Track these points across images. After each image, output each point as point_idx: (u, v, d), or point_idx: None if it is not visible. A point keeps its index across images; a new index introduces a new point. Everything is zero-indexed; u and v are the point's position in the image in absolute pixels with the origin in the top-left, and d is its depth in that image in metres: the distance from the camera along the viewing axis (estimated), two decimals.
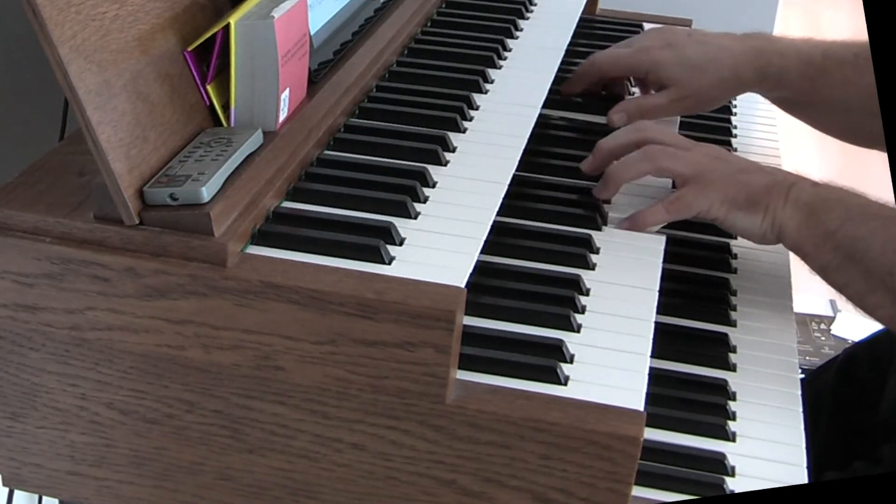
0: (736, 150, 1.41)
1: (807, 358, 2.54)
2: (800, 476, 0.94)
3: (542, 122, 1.20)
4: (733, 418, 0.99)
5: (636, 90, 1.41)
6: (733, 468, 0.93)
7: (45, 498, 1.33)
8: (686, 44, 1.30)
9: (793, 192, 1.08)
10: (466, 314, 0.84)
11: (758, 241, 1.10)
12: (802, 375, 1.16)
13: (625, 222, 1.10)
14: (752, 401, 1.02)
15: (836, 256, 1.05)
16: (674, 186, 1.13)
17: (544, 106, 1.19)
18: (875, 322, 1.08)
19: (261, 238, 0.88)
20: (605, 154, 1.14)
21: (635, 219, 1.10)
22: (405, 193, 0.95)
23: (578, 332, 0.93)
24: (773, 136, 1.48)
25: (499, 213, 0.97)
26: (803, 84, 1.29)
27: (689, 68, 1.29)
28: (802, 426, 0.99)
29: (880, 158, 1.30)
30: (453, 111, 1.11)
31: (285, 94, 0.95)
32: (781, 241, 1.09)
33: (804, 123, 1.38)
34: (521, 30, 1.37)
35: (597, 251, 1.05)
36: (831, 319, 2.73)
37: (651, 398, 0.86)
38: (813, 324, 2.73)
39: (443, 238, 0.91)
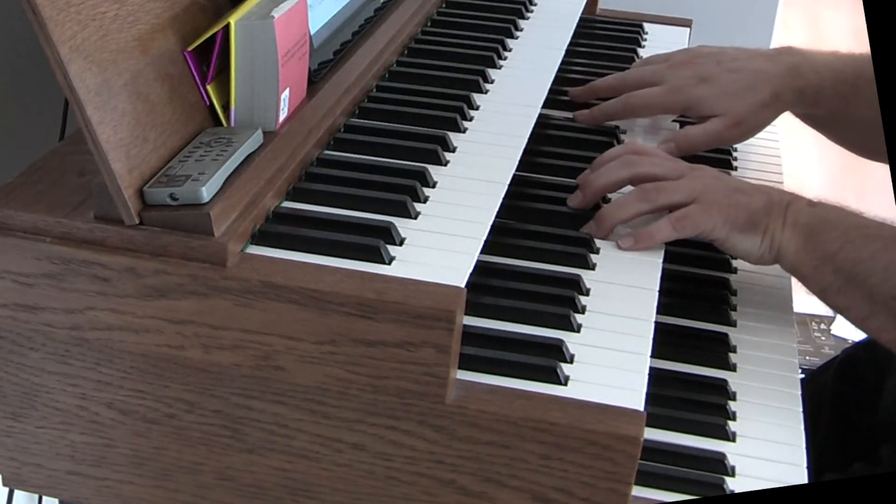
0: (736, 150, 1.41)
1: (807, 358, 2.54)
2: (800, 476, 0.93)
3: (542, 122, 1.20)
4: (733, 418, 0.99)
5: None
6: (733, 468, 0.93)
7: (45, 498, 1.33)
8: (718, 74, 1.27)
9: (790, 212, 1.07)
10: (466, 314, 0.84)
11: (755, 261, 1.09)
12: (802, 375, 1.16)
13: (628, 240, 1.07)
14: (752, 401, 1.02)
15: (836, 279, 1.04)
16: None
17: (544, 106, 1.19)
18: None
19: (261, 238, 0.88)
20: (596, 192, 1.11)
21: (640, 235, 1.07)
22: (405, 193, 0.95)
23: (578, 332, 0.93)
24: (773, 137, 1.47)
25: (499, 214, 0.97)
26: (837, 102, 1.28)
27: (728, 98, 1.27)
28: (802, 426, 0.99)
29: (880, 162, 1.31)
30: (453, 111, 1.11)
31: (285, 94, 0.95)
32: (779, 262, 1.08)
33: (820, 135, 1.38)
34: (521, 30, 1.37)
35: (597, 251, 1.05)
36: (831, 319, 2.73)
37: (651, 398, 0.86)
38: (813, 324, 2.73)
39: (443, 238, 0.91)
